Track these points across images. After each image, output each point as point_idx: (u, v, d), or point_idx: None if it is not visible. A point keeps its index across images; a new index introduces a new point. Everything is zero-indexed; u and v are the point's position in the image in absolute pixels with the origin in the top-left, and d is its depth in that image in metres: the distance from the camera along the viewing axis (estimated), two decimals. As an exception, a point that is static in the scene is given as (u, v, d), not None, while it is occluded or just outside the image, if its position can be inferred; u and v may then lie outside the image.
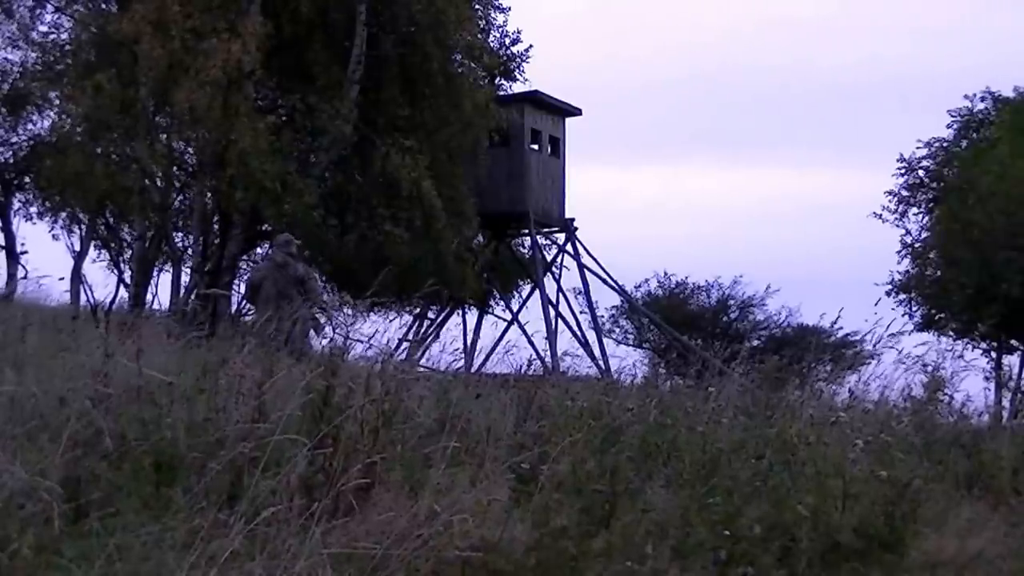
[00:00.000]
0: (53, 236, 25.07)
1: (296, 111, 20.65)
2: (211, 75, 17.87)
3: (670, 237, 58.53)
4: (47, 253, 28.18)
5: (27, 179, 25.08)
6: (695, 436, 6.46)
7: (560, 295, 27.54)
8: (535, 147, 26.52)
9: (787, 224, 65.57)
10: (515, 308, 28.32)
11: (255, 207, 19.68)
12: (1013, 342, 28.55)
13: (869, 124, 67.35)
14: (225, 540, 3.91)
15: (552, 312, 26.22)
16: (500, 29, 25.52)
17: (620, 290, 29.09)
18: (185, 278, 20.92)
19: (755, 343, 30.04)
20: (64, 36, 23.14)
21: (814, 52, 73.38)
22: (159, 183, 20.74)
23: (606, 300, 32.54)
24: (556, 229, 27.64)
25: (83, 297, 23.28)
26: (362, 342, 7.12)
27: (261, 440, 4.67)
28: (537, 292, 26.47)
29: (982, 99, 30.98)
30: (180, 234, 23.14)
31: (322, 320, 12.67)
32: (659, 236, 58.13)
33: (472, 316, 28.01)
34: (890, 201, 30.92)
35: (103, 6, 21.66)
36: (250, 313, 15.07)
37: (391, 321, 22.36)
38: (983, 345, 28.64)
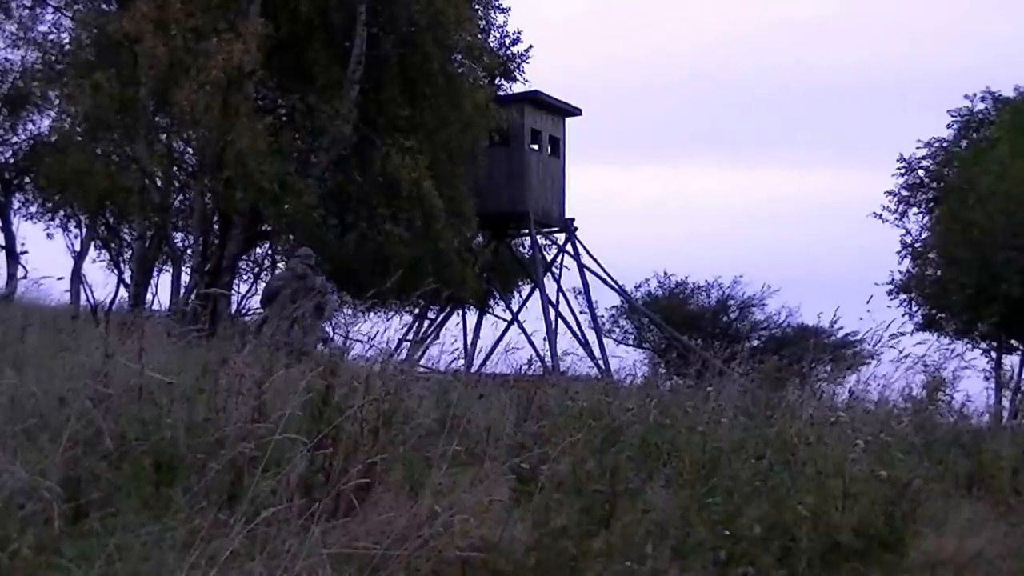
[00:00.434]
0: (48, 235, 25.05)
1: (296, 111, 20.65)
2: (211, 75, 17.87)
3: (670, 237, 58.59)
4: (47, 253, 28.19)
5: (27, 179, 25.06)
6: (695, 436, 6.46)
7: (560, 295, 27.58)
8: (535, 147, 26.52)
9: (787, 224, 65.61)
10: (515, 308, 28.33)
11: (255, 207, 19.68)
12: (1013, 342, 28.55)
13: (869, 124, 67.43)
14: (225, 540, 3.90)
15: (552, 312, 26.23)
16: (500, 29, 25.56)
17: (620, 290, 29.11)
18: (185, 278, 20.93)
19: (755, 343, 30.06)
20: (64, 36, 23.16)
21: (814, 53, 73.37)
22: (159, 183, 20.74)
23: (606, 300, 32.61)
24: (556, 229, 27.64)
25: (83, 297, 23.29)
26: (362, 342, 7.12)
27: (261, 440, 4.67)
28: (537, 292, 26.47)
29: (982, 99, 31.02)
30: (180, 234, 23.15)
31: (330, 332, 12.87)
32: (659, 236, 58.18)
33: (472, 316, 28.03)
34: (890, 201, 30.96)
35: (103, 6, 21.65)
36: (255, 313, 15.13)
37: (390, 320, 22.39)
38: (983, 345, 28.63)
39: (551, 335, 24.78)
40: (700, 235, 59.09)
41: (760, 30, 73.05)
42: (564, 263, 27.61)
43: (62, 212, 24.81)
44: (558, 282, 27.54)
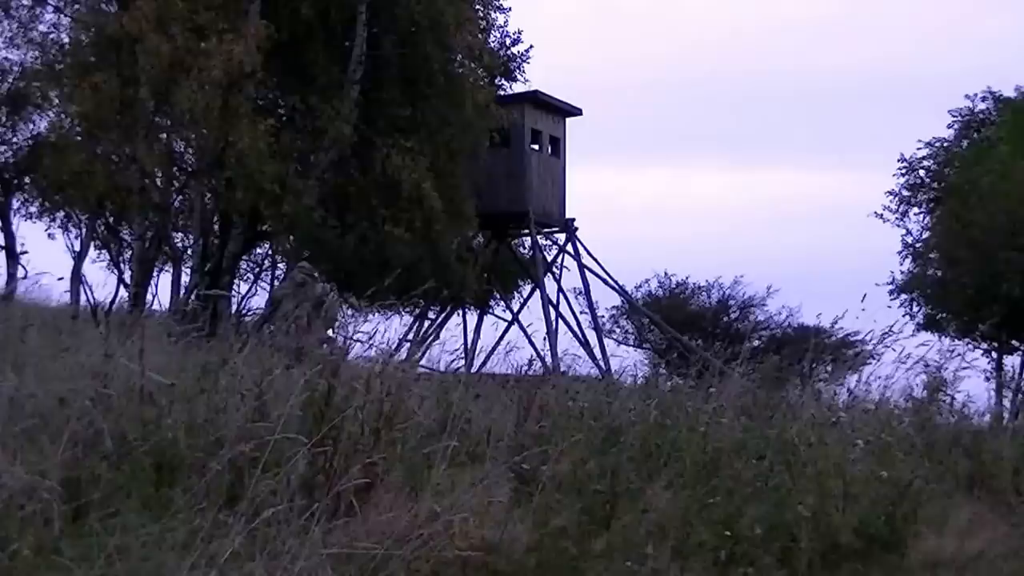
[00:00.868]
0: (49, 235, 25.03)
1: (296, 111, 20.65)
2: (212, 75, 17.87)
3: (671, 237, 58.53)
4: (47, 253, 28.14)
5: (27, 179, 25.05)
6: (696, 436, 6.46)
7: (560, 295, 27.56)
8: (535, 147, 26.52)
9: (788, 224, 65.58)
10: (515, 308, 28.33)
11: (255, 207, 19.67)
12: (1014, 342, 28.52)
13: (870, 124, 67.37)
14: (225, 540, 3.90)
15: (552, 312, 26.22)
16: (500, 29, 25.57)
17: (620, 290, 29.10)
18: (185, 278, 20.92)
19: (755, 343, 30.02)
20: (64, 36, 23.14)
21: (816, 53, 73.38)
22: (159, 183, 20.72)
23: (606, 300, 32.57)
24: (556, 229, 27.64)
25: (83, 297, 23.25)
26: (362, 342, 7.11)
27: (261, 440, 4.67)
28: (537, 292, 26.47)
29: (983, 99, 31.03)
30: (180, 234, 23.13)
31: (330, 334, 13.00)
32: (660, 236, 58.13)
33: (472, 316, 28.03)
34: (891, 201, 30.97)
35: (103, 5, 21.63)
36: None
37: (390, 320, 22.37)
38: (984, 345, 28.61)
39: (551, 335, 24.78)
40: (701, 235, 59.07)
41: (762, 31, 73.10)
42: (564, 263, 27.64)
43: (62, 212, 24.79)
44: (558, 282, 27.56)
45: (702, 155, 71.63)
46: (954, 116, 31.17)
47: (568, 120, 27.40)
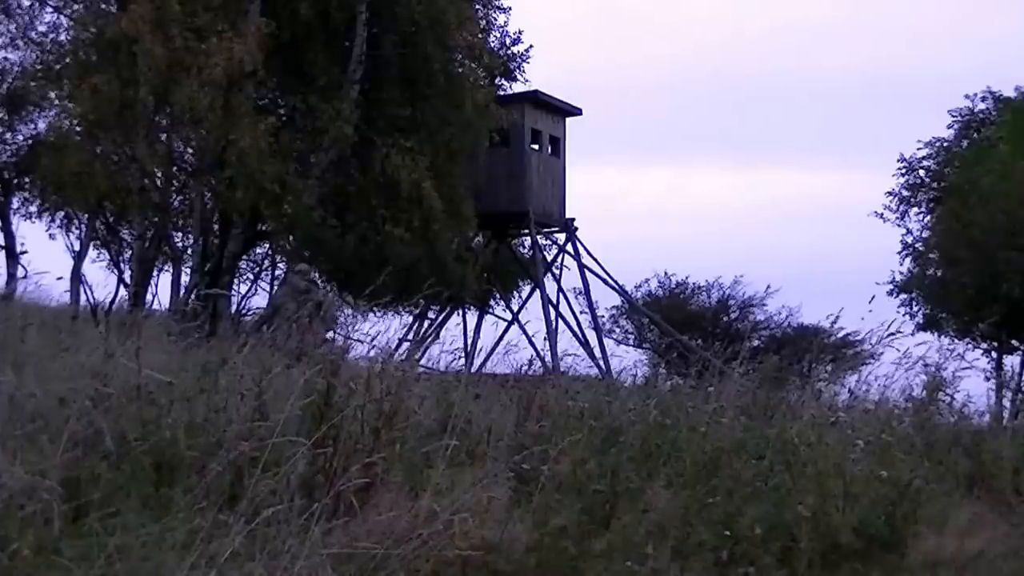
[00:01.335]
0: (50, 235, 25.04)
1: (296, 111, 20.64)
2: (212, 75, 17.86)
3: (672, 237, 58.54)
4: (47, 253, 28.14)
5: (27, 179, 25.04)
6: (696, 436, 6.46)
7: (560, 295, 27.55)
8: (535, 147, 26.51)
9: (789, 224, 65.61)
10: (515, 308, 28.32)
11: (255, 207, 19.67)
12: (1014, 342, 28.52)
13: (870, 124, 67.39)
14: (225, 540, 3.90)
15: (552, 312, 26.22)
16: (501, 29, 25.55)
17: (620, 290, 29.09)
18: (185, 278, 20.92)
19: (755, 343, 30.01)
20: (63, 36, 23.13)
21: (816, 54, 73.41)
22: (159, 183, 20.72)
23: (606, 300, 32.56)
24: (556, 229, 27.63)
25: (83, 297, 23.25)
26: (362, 342, 7.11)
27: (261, 440, 4.67)
28: (537, 292, 26.46)
29: (983, 99, 31.02)
30: (180, 234, 23.12)
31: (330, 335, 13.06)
32: (661, 236, 58.15)
33: (472, 316, 28.02)
34: (891, 201, 30.97)
35: (102, 6, 21.63)
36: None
37: (389, 319, 22.37)
38: (984, 345, 28.61)
39: (551, 335, 24.77)
40: (702, 235, 59.09)
41: (763, 31, 73.13)
42: (564, 263, 27.63)
43: (62, 212, 24.79)
44: (558, 282, 27.55)
45: (704, 155, 71.72)
46: (954, 116, 31.19)
47: (568, 120, 27.40)
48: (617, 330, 33.77)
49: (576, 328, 27.28)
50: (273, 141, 18.99)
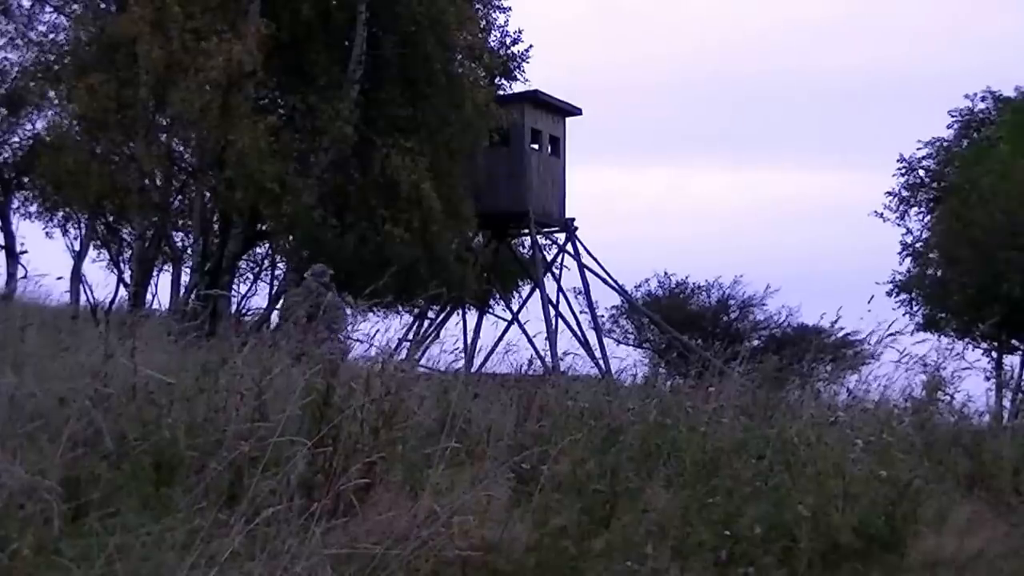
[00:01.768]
0: (47, 234, 25.06)
1: (296, 111, 20.64)
2: (211, 75, 17.86)
3: (672, 237, 58.58)
4: (47, 253, 28.16)
5: (26, 179, 25.05)
6: (695, 436, 6.45)
7: (560, 295, 27.56)
8: (535, 147, 26.51)
9: (789, 224, 65.64)
10: (515, 308, 28.32)
11: (255, 207, 19.67)
12: (1014, 342, 28.53)
13: (870, 124, 67.41)
14: (225, 540, 3.90)
15: (552, 312, 26.22)
16: (501, 29, 25.56)
17: (620, 290, 29.10)
18: (185, 278, 20.92)
19: (755, 343, 30.03)
20: (62, 36, 23.12)
21: (817, 54, 73.43)
22: (158, 183, 20.72)
23: (606, 300, 32.60)
24: (556, 229, 27.63)
25: (83, 297, 23.26)
26: (362, 342, 7.11)
27: (261, 440, 4.67)
28: (537, 292, 26.46)
29: (983, 99, 31.03)
30: (180, 234, 23.13)
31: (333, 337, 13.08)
32: (661, 236, 58.18)
33: (472, 316, 28.02)
34: (891, 201, 30.98)
35: (101, 6, 21.63)
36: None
37: (389, 319, 22.37)
38: (984, 345, 28.62)
39: (551, 335, 24.78)
40: (701, 235, 59.14)
41: (763, 32, 73.12)
42: (564, 263, 27.64)
43: (61, 212, 24.79)
44: (558, 282, 27.56)
45: (703, 155, 71.76)
46: (954, 116, 31.21)
47: (568, 120, 27.40)
48: (617, 330, 33.81)
49: (576, 328, 27.32)
50: (273, 141, 19.01)
